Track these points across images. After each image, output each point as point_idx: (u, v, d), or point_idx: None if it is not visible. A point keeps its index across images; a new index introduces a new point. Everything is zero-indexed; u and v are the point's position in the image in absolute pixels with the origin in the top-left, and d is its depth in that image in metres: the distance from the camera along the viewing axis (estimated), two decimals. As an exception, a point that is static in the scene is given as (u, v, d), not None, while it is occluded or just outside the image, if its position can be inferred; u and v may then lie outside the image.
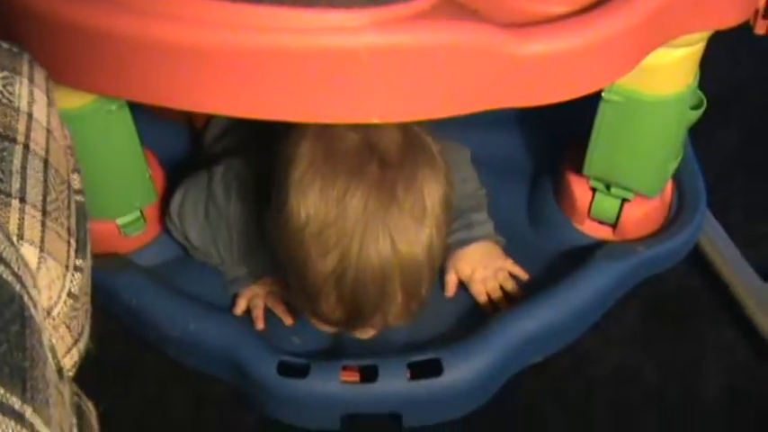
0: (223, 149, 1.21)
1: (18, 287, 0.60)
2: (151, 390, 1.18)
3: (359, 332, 1.06)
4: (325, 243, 0.94)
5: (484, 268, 1.17)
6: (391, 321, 1.01)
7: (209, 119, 1.26)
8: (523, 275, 1.19)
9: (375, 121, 0.88)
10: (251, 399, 1.14)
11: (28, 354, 0.58)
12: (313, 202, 0.94)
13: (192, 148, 1.32)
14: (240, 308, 1.17)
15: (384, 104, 0.86)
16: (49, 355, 0.73)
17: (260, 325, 1.15)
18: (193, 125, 1.31)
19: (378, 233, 0.93)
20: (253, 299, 1.17)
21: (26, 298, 0.61)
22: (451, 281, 1.18)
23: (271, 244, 1.02)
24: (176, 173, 1.22)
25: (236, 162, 1.12)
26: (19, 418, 0.54)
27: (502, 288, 1.17)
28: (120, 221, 1.16)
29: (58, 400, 0.77)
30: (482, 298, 1.17)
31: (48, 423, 0.58)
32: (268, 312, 1.17)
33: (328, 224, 0.93)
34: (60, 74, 0.89)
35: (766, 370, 1.20)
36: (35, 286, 0.66)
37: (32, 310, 0.61)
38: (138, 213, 1.17)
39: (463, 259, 1.17)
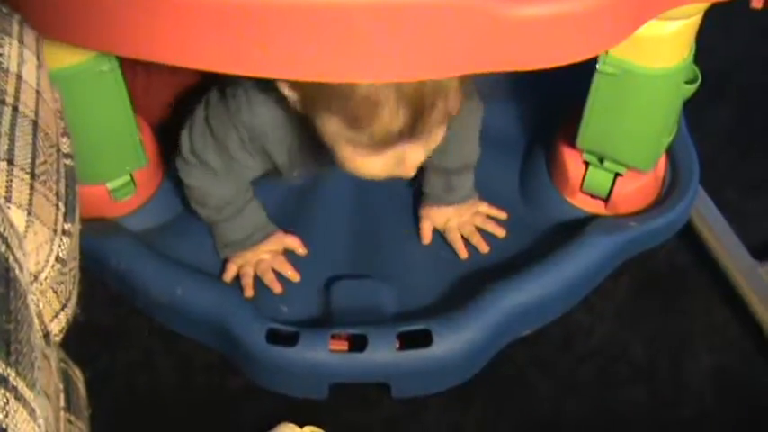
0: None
1: (3, 248, 0.60)
2: (138, 355, 1.18)
3: (417, 144, 0.98)
4: None
5: (459, 216, 1.21)
6: (452, 106, 0.95)
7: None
8: (501, 215, 1.22)
9: (369, 80, 0.87)
10: (239, 366, 1.14)
11: (12, 316, 0.57)
12: None
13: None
14: (230, 273, 1.17)
15: (377, 64, 0.84)
16: (36, 319, 0.73)
17: (249, 292, 1.15)
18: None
19: None
20: (243, 266, 1.17)
21: (11, 259, 0.60)
22: (426, 228, 1.21)
23: (296, 91, 0.97)
24: (167, 138, 1.21)
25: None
26: (2, 381, 0.53)
27: (481, 230, 1.21)
28: (110, 185, 1.16)
29: (44, 365, 0.77)
30: (458, 245, 1.20)
31: (32, 386, 0.57)
32: (257, 280, 1.17)
33: None
34: (51, 29, 0.88)
35: (754, 347, 1.20)
36: (21, 248, 0.65)
37: (18, 271, 0.61)
38: (129, 178, 1.17)
39: (439, 212, 1.20)
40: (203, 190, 1.13)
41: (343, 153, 0.99)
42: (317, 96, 0.94)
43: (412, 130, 0.94)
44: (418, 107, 0.92)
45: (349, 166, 1.00)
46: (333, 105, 0.93)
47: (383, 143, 0.95)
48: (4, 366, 0.54)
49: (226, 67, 0.85)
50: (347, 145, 0.97)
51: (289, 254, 1.19)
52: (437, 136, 0.99)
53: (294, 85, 0.96)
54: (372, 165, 0.99)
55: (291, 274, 1.18)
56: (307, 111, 0.98)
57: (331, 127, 0.96)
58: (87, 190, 1.11)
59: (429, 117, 0.93)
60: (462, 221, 1.21)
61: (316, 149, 1.03)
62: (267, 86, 1.00)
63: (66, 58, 0.98)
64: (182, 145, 1.11)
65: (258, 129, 1.06)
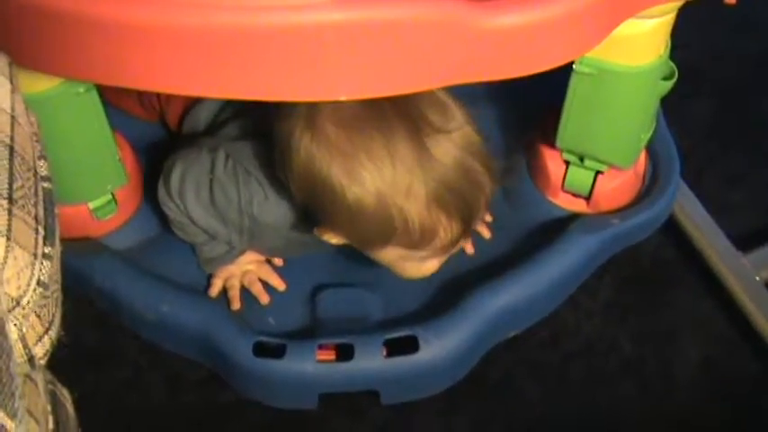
0: (215, 128, 1.18)
1: (-19, 281, 0.60)
2: (127, 374, 1.17)
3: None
4: (401, 189, 0.93)
5: None
6: (489, 196, 1.00)
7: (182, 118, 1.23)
8: (488, 217, 1.22)
9: (342, 98, 0.87)
10: (227, 380, 1.14)
11: (-10, 348, 0.57)
12: (360, 181, 0.93)
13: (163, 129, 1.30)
14: (216, 288, 1.16)
15: (351, 81, 0.85)
16: (20, 345, 0.72)
17: (236, 305, 1.15)
18: (167, 126, 1.26)
19: (433, 143, 0.94)
20: (229, 279, 1.17)
21: (-11, 291, 0.60)
22: None
23: (338, 239, 1.03)
24: (148, 155, 1.21)
25: (235, 148, 1.08)
26: (-18, 414, 0.53)
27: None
28: (91, 205, 1.15)
29: (31, 389, 0.77)
30: None
31: (12, 416, 0.57)
32: (242, 293, 1.16)
33: (388, 181, 0.93)
34: (24, 58, 0.88)
35: (741, 338, 1.20)
36: (-2, 278, 0.65)
37: (-4, 303, 0.61)
38: (110, 196, 1.16)
39: None
40: (180, 221, 1.12)
41: (401, 269, 1.06)
42: (369, 237, 0.99)
43: (467, 231, 1.00)
44: (467, 212, 0.97)
45: (406, 275, 1.07)
46: (391, 240, 0.98)
47: (449, 244, 1.00)
48: (-18, 399, 0.53)
49: (203, 91, 0.85)
50: (406, 262, 1.03)
51: (273, 265, 1.19)
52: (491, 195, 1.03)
53: (340, 231, 1.01)
54: (430, 265, 1.05)
55: (277, 282, 1.17)
56: (361, 249, 1.04)
57: (389, 254, 1.02)
58: (69, 210, 1.11)
59: (478, 214, 0.99)
60: None
61: (313, 242, 1.07)
62: (283, 184, 1.03)
63: (40, 83, 0.97)
64: (170, 183, 1.09)
65: (264, 222, 1.08)
